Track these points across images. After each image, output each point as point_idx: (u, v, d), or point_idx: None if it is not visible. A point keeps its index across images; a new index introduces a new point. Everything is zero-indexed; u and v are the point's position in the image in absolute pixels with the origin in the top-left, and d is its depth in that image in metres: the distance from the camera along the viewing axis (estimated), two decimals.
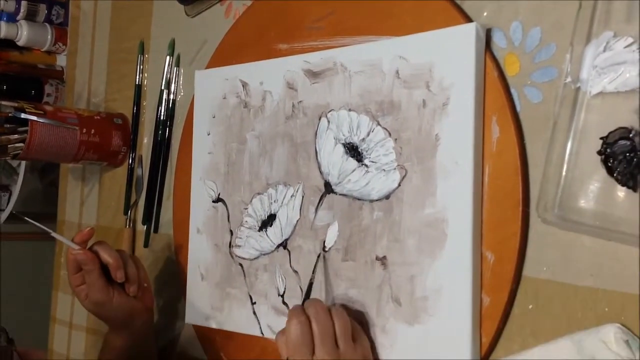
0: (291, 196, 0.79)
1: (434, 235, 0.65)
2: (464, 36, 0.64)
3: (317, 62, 0.77)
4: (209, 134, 0.89)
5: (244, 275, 0.83)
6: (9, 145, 0.98)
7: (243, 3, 0.91)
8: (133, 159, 1.08)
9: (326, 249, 0.75)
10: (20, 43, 1.41)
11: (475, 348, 0.63)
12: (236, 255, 0.85)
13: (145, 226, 1.04)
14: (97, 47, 1.19)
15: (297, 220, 0.78)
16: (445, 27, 0.66)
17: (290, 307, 0.77)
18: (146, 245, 1.03)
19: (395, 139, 0.70)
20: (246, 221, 0.84)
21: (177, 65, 1.02)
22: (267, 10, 0.86)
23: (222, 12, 0.95)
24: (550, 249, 0.60)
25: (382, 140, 0.70)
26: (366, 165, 0.72)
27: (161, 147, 1.02)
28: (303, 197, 0.78)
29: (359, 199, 0.72)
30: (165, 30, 1.04)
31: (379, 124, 0.71)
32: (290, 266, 0.78)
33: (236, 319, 0.84)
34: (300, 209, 0.78)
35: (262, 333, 0.81)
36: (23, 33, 1.40)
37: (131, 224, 1.06)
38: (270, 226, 0.81)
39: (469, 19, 0.67)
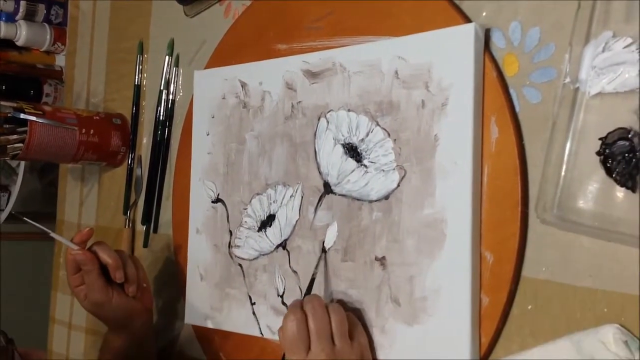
0: (290, 196, 0.79)
1: (433, 236, 0.65)
2: (463, 36, 0.64)
3: (316, 63, 0.77)
4: (208, 134, 0.89)
5: (244, 276, 0.83)
6: (8, 146, 0.97)
7: (242, 3, 0.91)
8: (132, 159, 1.08)
9: (325, 249, 0.75)
10: (19, 43, 1.41)
11: (474, 348, 0.63)
12: (235, 256, 0.85)
13: (145, 226, 1.04)
14: (96, 47, 1.19)
15: (297, 221, 0.78)
16: (444, 28, 0.66)
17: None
18: (145, 245, 1.03)
19: (395, 140, 0.69)
20: (245, 221, 0.84)
21: (176, 65, 1.01)
22: (266, 10, 0.86)
23: (221, 12, 0.95)
24: (549, 249, 0.60)
25: (381, 140, 0.70)
26: (365, 166, 0.72)
27: (160, 147, 1.02)
28: (302, 197, 0.78)
29: (358, 200, 0.72)
30: (164, 30, 1.04)
31: (378, 124, 0.71)
32: (290, 266, 0.78)
33: (235, 320, 0.84)
34: (300, 210, 0.78)
35: (261, 333, 0.81)
36: (22, 33, 1.39)
37: (130, 224, 1.06)
38: (270, 226, 0.81)
39: (468, 19, 0.67)
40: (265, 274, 0.81)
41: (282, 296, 0.79)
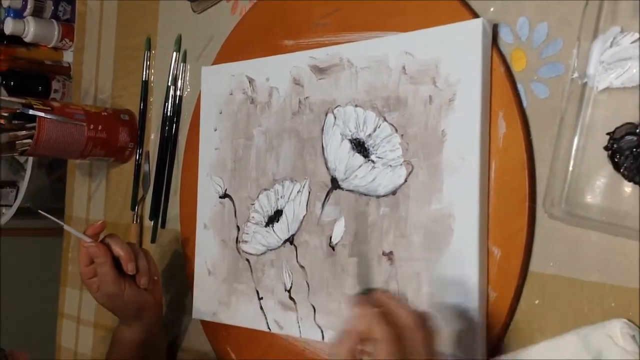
0: (298, 192, 0.79)
1: (440, 231, 0.66)
2: (471, 32, 0.64)
3: (323, 58, 0.77)
4: (215, 130, 0.90)
5: (251, 271, 0.84)
6: (16, 142, 0.98)
7: (249, 0, 0.91)
8: (140, 155, 1.08)
9: (333, 245, 0.75)
10: (27, 39, 1.42)
11: (482, 344, 0.63)
12: (243, 251, 0.85)
13: (153, 222, 1.04)
14: (103, 44, 1.19)
15: (304, 216, 0.78)
16: (452, 23, 0.66)
17: (297, 302, 0.78)
18: (153, 240, 1.04)
19: (402, 135, 0.70)
20: (253, 217, 0.84)
21: (184, 61, 1.02)
22: (273, 6, 0.86)
23: (229, 9, 0.95)
24: (557, 244, 0.60)
25: (388, 136, 0.71)
26: (372, 161, 0.72)
27: (168, 143, 1.02)
28: (309, 192, 0.78)
29: (365, 195, 0.72)
30: (172, 26, 1.04)
31: (385, 119, 0.71)
32: (297, 262, 0.79)
33: (243, 314, 0.84)
34: (307, 205, 0.78)
35: (269, 328, 0.81)
36: (30, 29, 1.40)
37: (138, 220, 1.07)
38: (277, 222, 0.81)
39: (475, 15, 0.67)
40: (273, 269, 0.81)
41: (289, 291, 0.79)
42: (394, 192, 0.70)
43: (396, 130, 0.70)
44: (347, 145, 0.74)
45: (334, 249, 0.75)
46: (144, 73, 1.08)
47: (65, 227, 0.86)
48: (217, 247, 0.88)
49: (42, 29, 1.41)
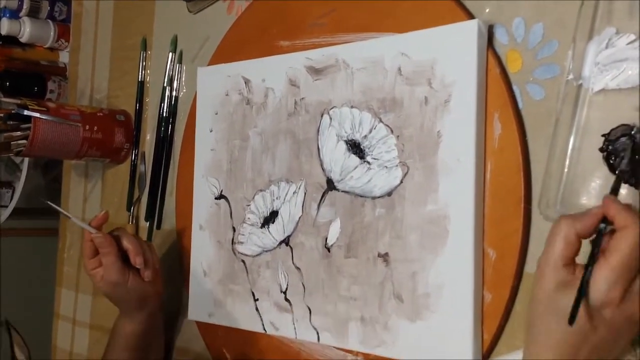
0: (293, 193, 0.79)
1: (436, 232, 0.65)
2: (466, 33, 0.64)
3: (319, 59, 0.77)
4: (211, 131, 0.90)
5: (247, 272, 0.84)
6: (12, 142, 0.98)
7: (245, 0, 0.91)
8: (136, 156, 1.08)
9: (328, 246, 0.75)
10: (22, 40, 1.41)
11: (477, 345, 0.63)
12: (238, 252, 0.85)
13: (148, 222, 1.04)
14: (99, 44, 1.19)
15: (300, 217, 0.78)
16: (447, 24, 0.66)
17: (293, 303, 0.78)
18: (149, 241, 1.03)
19: (398, 136, 0.70)
20: (248, 218, 0.84)
21: (180, 62, 1.02)
22: (269, 7, 0.86)
23: (224, 9, 0.95)
24: None
25: (384, 137, 0.71)
26: (368, 162, 0.72)
27: (164, 143, 1.02)
28: (305, 193, 0.78)
29: (361, 196, 0.72)
30: (168, 27, 1.04)
31: (381, 121, 0.71)
32: (293, 263, 0.78)
33: (238, 316, 0.84)
34: (303, 206, 0.78)
35: (264, 330, 0.81)
36: (26, 30, 1.39)
37: (134, 221, 1.07)
38: (273, 223, 0.81)
39: (471, 16, 0.67)
40: (269, 270, 0.81)
41: (285, 292, 0.79)
42: (389, 193, 0.70)
43: (392, 131, 0.70)
44: (343, 146, 0.74)
45: (329, 250, 0.75)
46: (140, 73, 1.08)
47: (72, 218, 0.86)
48: (212, 248, 0.88)
49: (38, 29, 1.41)
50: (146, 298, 0.87)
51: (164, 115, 1.02)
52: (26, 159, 1.49)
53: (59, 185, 1.27)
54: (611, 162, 0.55)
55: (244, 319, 0.83)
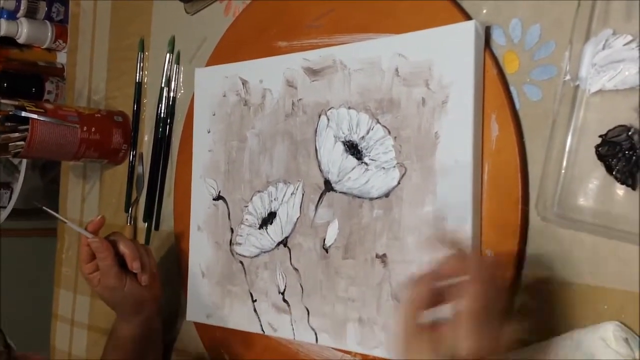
0: (291, 194, 0.79)
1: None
2: (463, 34, 0.64)
3: (316, 60, 0.77)
4: (209, 132, 0.89)
5: (245, 273, 0.84)
6: (9, 144, 0.98)
7: (242, 1, 0.91)
8: (134, 157, 1.08)
9: (326, 247, 0.75)
10: (20, 40, 1.41)
11: None
12: (237, 253, 0.85)
13: (146, 223, 1.04)
14: (97, 45, 1.19)
15: (297, 218, 0.78)
16: (445, 25, 0.66)
17: (291, 304, 0.78)
18: (147, 242, 1.03)
19: (395, 137, 0.70)
20: (246, 219, 0.84)
21: (177, 62, 1.01)
22: (267, 8, 0.86)
23: (222, 10, 0.95)
24: (550, 246, 0.60)
25: (381, 138, 0.71)
26: (366, 163, 0.72)
27: (162, 144, 1.02)
28: (303, 194, 0.78)
29: (358, 197, 0.72)
30: (165, 27, 1.04)
31: (378, 122, 0.71)
32: (291, 264, 0.78)
33: (237, 317, 0.84)
34: (301, 207, 0.78)
35: (262, 331, 0.81)
36: (23, 30, 1.39)
37: (132, 222, 1.07)
38: (271, 224, 0.81)
39: (468, 17, 0.67)
40: (267, 271, 0.81)
41: (283, 293, 0.79)
42: (387, 195, 0.70)
43: (389, 132, 0.70)
44: (341, 147, 0.74)
45: (327, 252, 0.75)
46: (138, 74, 1.08)
47: (68, 223, 0.87)
48: (210, 249, 0.88)
49: (36, 30, 1.40)
50: (143, 302, 0.86)
51: (162, 116, 1.02)
52: (24, 160, 1.49)
53: (57, 187, 1.27)
54: (608, 163, 0.55)
55: (242, 320, 0.83)
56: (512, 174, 0.62)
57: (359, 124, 0.73)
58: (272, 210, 0.81)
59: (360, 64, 0.73)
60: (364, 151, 0.72)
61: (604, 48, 0.56)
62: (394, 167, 0.69)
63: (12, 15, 1.41)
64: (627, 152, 0.54)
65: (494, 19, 0.66)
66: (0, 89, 1.40)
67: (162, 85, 1.02)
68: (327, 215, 0.75)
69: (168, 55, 1.02)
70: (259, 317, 0.81)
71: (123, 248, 0.84)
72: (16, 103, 0.97)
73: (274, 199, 0.81)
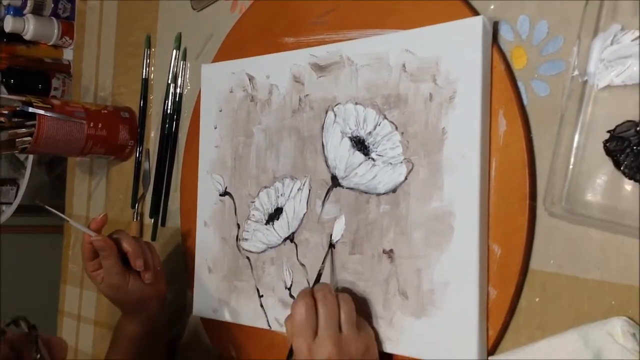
0: (298, 189, 0.79)
1: (441, 229, 0.65)
2: (471, 29, 0.64)
3: (323, 56, 0.77)
4: (215, 128, 0.90)
5: (251, 269, 0.84)
6: (16, 139, 0.98)
7: None
8: (140, 153, 1.08)
9: (333, 245, 0.75)
10: (27, 37, 1.42)
11: (482, 341, 0.63)
12: (243, 249, 0.85)
13: (153, 219, 1.04)
14: (103, 41, 1.19)
15: (304, 214, 0.78)
16: (452, 21, 0.66)
17: None
18: (154, 238, 1.04)
19: (402, 133, 0.70)
20: (253, 214, 0.84)
21: (184, 59, 1.02)
22: (273, 4, 0.86)
23: (228, 7, 0.95)
24: (557, 242, 0.60)
25: (388, 133, 0.71)
26: (373, 159, 0.72)
27: (168, 140, 1.02)
28: (310, 190, 0.78)
29: (365, 193, 0.72)
30: (172, 24, 1.04)
31: (385, 117, 0.71)
32: (297, 259, 0.79)
33: (243, 312, 0.84)
34: (307, 203, 0.78)
35: (269, 326, 0.81)
36: (30, 27, 1.40)
37: (139, 217, 1.07)
38: (277, 219, 0.81)
39: (476, 12, 0.67)
40: (273, 266, 0.81)
41: (289, 289, 0.79)
42: (394, 190, 0.70)
43: (396, 128, 0.70)
44: (348, 143, 0.74)
45: (334, 247, 0.75)
46: (144, 71, 1.08)
47: (71, 222, 0.87)
48: (217, 244, 0.88)
49: (42, 26, 1.41)
50: (147, 300, 0.87)
51: (169, 112, 1.02)
52: (30, 156, 1.50)
53: (63, 183, 1.27)
54: (616, 158, 0.55)
55: (249, 315, 0.83)
56: (520, 170, 0.62)
57: (366, 120, 0.73)
58: (279, 205, 0.81)
59: (367, 60, 0.73)
60: (371, 147, 0.72)
61: (612, 43, 0.56)
62: (401, 162, 0.69)
63: (18, 12, 1.41)
64: (635, 147, 0.54)
65: (502, 14, 0.66)
66: (7, 85, 1.41)
67: (169, 82, 1.03)
68: (334, 210, 0.75)
69: (175, 51, 1.02)
70: (265, 313, 0.82)
71: (126, 246, 0.83)
72: (23, 99, 0.98)
73: (281, 195, 0.81)
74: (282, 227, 0.81)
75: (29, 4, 1.40)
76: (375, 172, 0.72)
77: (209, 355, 0.92)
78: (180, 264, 0.97)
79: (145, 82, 1.08)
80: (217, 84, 0.90)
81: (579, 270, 0.59)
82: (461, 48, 0.65)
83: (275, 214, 0.82)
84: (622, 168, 0.55)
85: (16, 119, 0.98)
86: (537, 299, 0.62)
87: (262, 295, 0.82)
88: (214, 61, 0.93)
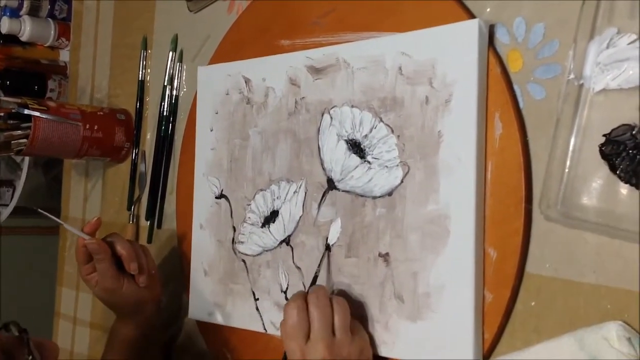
0: (294, 192, 0.79)
1: (436, 232, 0.65)
2: (467, 32, 0.64)
3: (319, 58, 0.77)
4: (211, 130, 0.89)
5: (247, 272, 0.84)
6: (12, 141, 0.98)
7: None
8: (136, 155, 1.08)
9: (329, 248, 0.75)
10: (23, 38, 1.41)
11: (477, 345, 0.63)
12: (239, 252, 0.85)
13: (149, 222, 1.04)
14: (100, 43, 1.19)
15: (300, 217, 0.78)
16: (448, 24, 0.66)
17: None
18: (149, 240, 1.03)
19: (398, 136, 0.69)
20: (249, 217, 0.84)
21: (180, 61, 1.01)
22: (270, 6, 0.85)
23: (225, 8, 0.95)
24: (553, 245, 0.60)
25: (384, 136, 0.70)
26: (369, 162, 0.72)
27: (164, 142, 1.02)
28: (306, 193, 0.78)
29: (361, 196, 0.72)
30: (168, 25, 1.04)
31: (381, 120, 0.71)
32: (293, 262, 0.78)
33: (239, 315, 0.84)
34: (303, 205, 0.78)
35: (265, 329, 0.81)
36: (26, 28, 1.39)
37: (134, 220, 1.07)
38: (273, 222, 0.81)
39: (472, 15, 0.67)
40: (269, 269, 0.81)
41: (285, 292, 0.79)
42: (390, 193, 0.70)
43: (392, 131, 0.70)
44: (344, 145, 0.74)
45: (330, 250, 0.75)
46: (140, 72, 1.08)
47: (65, 225, 0.86)
48: (213, 247, 0.88)
49: (39, 28, 1.41)
50: (142, 303, 0.86)
51: (165, 114, 1.02)
52: (27, 158, 1.49)
53: (60, 184, 1.27)
54: (612, 162, 0.55)
55: (245, 318, 0.83)
56: (516, 173, 0.62)
57: (362, 123, 0.73)
58: (275, 208, 0.81)
59: (363, 63, 0.73)
60: (367, 150, 0.72)
61: (608, 47, 0.56)
62: (397, 165, 0.69)
63: (15, 13, 1.41)
64: (631, 151, 0.54)
65: (498, 17, 0.66)
66: (3, 87, 1.40)
67: (165, 84, 1.02)
68: (330, 213, 0.75)
69: (171, 53, 1.02)
70: (261, 316, 0.81)
71: (120, 249, 0.83)
72: (19, 101, 0.97)
73: (277, 198, 0.81)
74: (278, 230, 0.81)
75: (26, 5, 1.39)
76: (371, 175, 0.71)
77: (205, 359, 0.92)
78: (176, 266, 0.96)
79: (142, 84, 1.08)
80: (213, 86, 0.90)
81: (575, 274, 0.59)
82: (457, 51, 0.65)
83: (271, 217, 0.82)
84: (617, 172, 0.55)
85: (12, 121, 0.98)
86: (532, 303, 0.61)
87: (257, 299, 0.82)
88: (210, 63, 0.93)
